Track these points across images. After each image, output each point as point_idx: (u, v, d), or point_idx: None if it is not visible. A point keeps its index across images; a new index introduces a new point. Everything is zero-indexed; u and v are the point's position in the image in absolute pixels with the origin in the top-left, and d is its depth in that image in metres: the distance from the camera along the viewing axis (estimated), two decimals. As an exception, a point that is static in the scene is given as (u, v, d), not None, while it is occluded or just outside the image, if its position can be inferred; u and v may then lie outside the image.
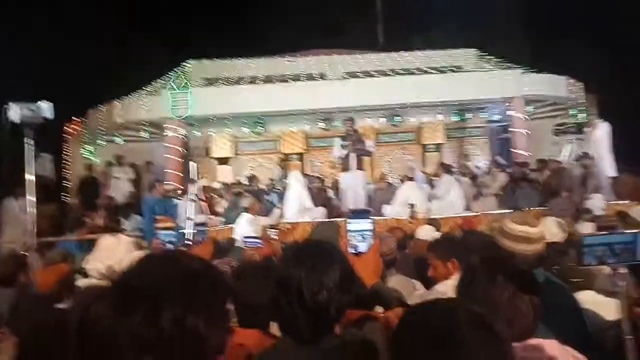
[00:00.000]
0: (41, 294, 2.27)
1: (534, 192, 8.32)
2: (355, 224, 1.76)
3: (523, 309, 1.34)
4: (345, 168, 8.72)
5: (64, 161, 12.39)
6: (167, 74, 13.04)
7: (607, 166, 8.93)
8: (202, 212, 8.57)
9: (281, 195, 9.27)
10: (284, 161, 11.73)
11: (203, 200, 8.66)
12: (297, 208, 7.99)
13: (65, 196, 12.12)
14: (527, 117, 11.53)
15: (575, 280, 2.44)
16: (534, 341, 1.35)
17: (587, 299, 2.04)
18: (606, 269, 1.78)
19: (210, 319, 0.80)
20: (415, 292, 2.84)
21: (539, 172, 9.49)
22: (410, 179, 8.59)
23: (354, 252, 1.70)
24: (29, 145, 5.17)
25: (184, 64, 13.36)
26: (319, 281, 1.22)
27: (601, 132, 9.03)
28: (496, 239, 2.06)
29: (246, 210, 7.24)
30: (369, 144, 8.97)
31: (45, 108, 5.16)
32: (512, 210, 7.59)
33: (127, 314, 0.74)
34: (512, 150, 11.28)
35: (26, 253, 5.01)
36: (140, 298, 0.76)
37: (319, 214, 8.15)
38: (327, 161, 12.07)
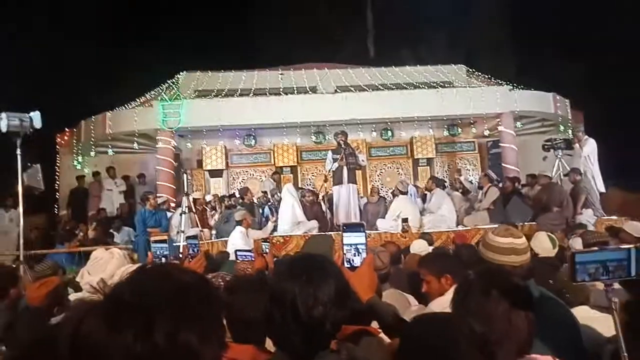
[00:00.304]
0: (36, 309, 2.23)
1: (525, 206, 8.38)
2: (350, 238, 1.76)
3: (518, 323, 1.34)
4: (337, 181, 8.73)
5: (54, 172, 12.28)
6: (160, 85, 13.06)
7: (597, 181, 9.04)
8: (194, 224, 8.52)
9: (274, 208, 9.26)
10: (277, 174, 11.72)
11: (195, 213, 8.61)
12: (290, 221, 7.96)
13: (56, 207, 11.99)
14: (516, 132, 11.70)
15: (569, 295, 2.46)
16: (530, 357, 1.36)
17: (582, 314, 2.05)
18: (600, 285, 1.79)
19: (204, 333, 0.79)
20: (410, 308, 2.83)
21: (529, 187, 9.58)
22: (403, 193, 8.61)
23: (349, 266, 1.70)
24: (17, 156, 5.15)
25: (176, 75, 13.39)
26: (313, 296, 1.20)
27: (589, 148, 9.16)
28: (481, 253, 2.05)
29: (239, 223, 7.20)
30: (361, 157, 9.01)
31: (34, 118, 5.15)
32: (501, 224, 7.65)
33: (119, 329, 0.73)
34: (503, 165, 11.41)
35: (16, 265, 4.95)
36: (133, 313, 0.75)
37: (311, 227, 8.13)
38: (319, 174, 12.09)
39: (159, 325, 0.73)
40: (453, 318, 1.26)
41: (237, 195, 10.12)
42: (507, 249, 1.94)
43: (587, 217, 8.07)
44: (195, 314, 0.78)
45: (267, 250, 4.48)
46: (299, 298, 1.20)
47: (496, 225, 7.80)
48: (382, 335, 1.69)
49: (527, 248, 1.98)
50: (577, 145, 9.33)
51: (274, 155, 12.59)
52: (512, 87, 11.95)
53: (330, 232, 7.90)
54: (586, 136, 9.34)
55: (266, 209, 9.64)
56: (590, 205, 8.41)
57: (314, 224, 8.29)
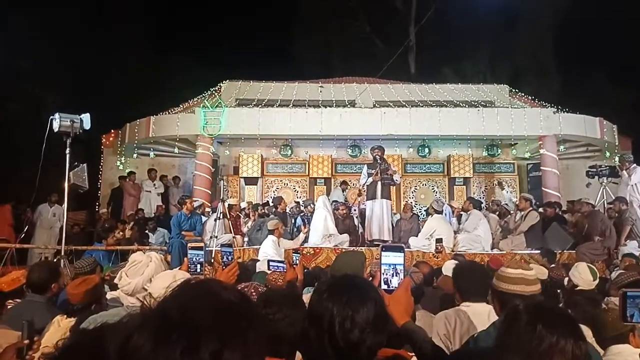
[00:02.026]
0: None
1: (565, 234, 8.09)
2: (388, 257, 1.74)
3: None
4: (371, 196, 8.67)
5: (98, 171, 12.74)
6: (203, 93, 13.41)
7: (643, 212, 8.64)
8: (228, 231, 8.63)
9: (306, 219, 9.28)
10: (345, 184, 11.74)
11: (229, 219, 8.73)
12: (321, 233, 7.95)
13: (97, 206, 12.41)
14: (558, 156, 11.35)
15: (609, 331, 2.34)
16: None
17: (621, 353, 1.95)
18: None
19: (248, 353, 0.80)
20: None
21: (570, 213, 9.25)
22: (438, 212, 8.46)
23: (386, 287, 1.68)
24: (66, 154, 5.39)
25: (219, 84, 13.72)
26: (351, 319, 1.19)
27: (637, 177, 8.76)
28: (494, 285, 2.18)
29: (271, 232, 7.25)
30: (396, 177, 8.92)
31: (84, 119, 5.38)
32: (540, 250, 7.42)
33: (167, 345, 0.75)
34: (543, 189, 11.07)
35: (57, 259, 5.15)
36: (179, 331, 0.76)
37: (342, 241, 8.10)
38: (353, 187, 12.06)
39: (204, 343, 0.75)
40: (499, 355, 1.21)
41: (271, 204, 10.21)
42: (517, 279, 2.10)
43: (631, 248, 7.71)
44: (240, 333, 0.79)
45: (298, 262, 4.50)
46: (336, 320, 1.18)
47: (534, 251, 7.58)
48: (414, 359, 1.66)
49: (536, 280, 2.15)
50: (624, 172, 8.95)
51: (309, 166, 12.65)
52: (556, 110, 11.63)
53: (361, 248, 7.84)
54: (634, 164, 8.94)
55: (298, 219, 9.67)
56: (635, 237, 8.04)
57: (345, 237, 8.25)
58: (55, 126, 5.23)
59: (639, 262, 6.50)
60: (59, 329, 2.54)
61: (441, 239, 7.63)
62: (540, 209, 8.77)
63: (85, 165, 5.87)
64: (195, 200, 9.36)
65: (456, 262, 5.50)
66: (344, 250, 7.19)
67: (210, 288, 0.87)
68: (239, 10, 23.31)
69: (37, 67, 14.16)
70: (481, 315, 2.51)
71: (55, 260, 5.22)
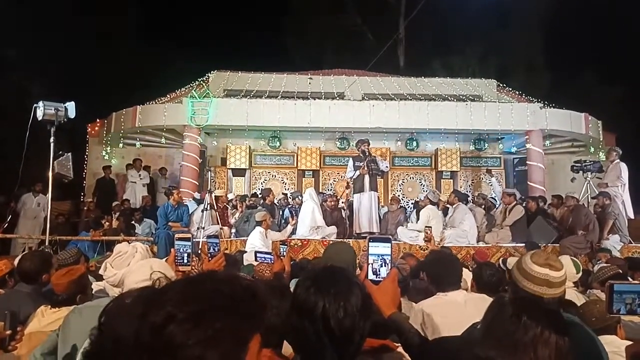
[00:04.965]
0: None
1: (549, 227, 8.20)
2: (377, 248, 1.74)
3: (545, 355, 1.29)
4: (358, 189, 8.69)
5: (83, 161, 12.56)
6: (190, 83, 13.27)
7: (626, 207, 8.79)
8: (215, 222, 8.59)
9: (294, 211, 9.27)
10: (299, 177, 11.74)
11: (216, 210, 8.68)
12: (309, 225, 7.96)
13: (82, 196, 12.26)
14: (544, 151, 11.47)
15: (596, 323, 2.38)
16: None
17: (611, 345, 1.98)
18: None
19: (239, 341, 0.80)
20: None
21: (554, 207, 9.37)
22: (433, 203, 8.47)
23: (374, 277, 1.68)
24: (50, 143, 5.29)
25: (207, 74, 13.58)
26: (343, 308, 1.23)
27: (621, 172, 8.90)
28: (513, 276, 1.97)
29: (259, 223, 7.23)
30: (385, 164, 8.94)
31: (69, 108, 5.28)
32: (524, 244, 7.53)
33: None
34: (529, 183, 11.20)
35: (41, 249, 5.07)
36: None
37: (330, 233, 8.12)
38: (341, 180, 12.09)
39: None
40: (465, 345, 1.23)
41: (259, 195, 10.17)
42: (541, 279, 1.86)
43: (613, 242, 7.86)
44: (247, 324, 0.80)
45: (285, 253, 4.50)
46: (330, 312, 1.22)
47: (519, 244, 7.63)
48: (400, 350, 1.67)
49: (563, 282, 1.89)
50: (608, 167, 9.08)
51: (297, 158, 12.63)
52: (542, 105, 11.75)
53: (348, 240, 7.87)
54: (618, 160, 9.08)
55: (286, 211, 9.66)
56: (618, 231, 8.19)
57: (333, 229, 8.27)
58: (39, 114, 5.12)
59: (612, 256, 6.65)
60: (42, 319, 2.51)
61: (430, 226, 7.69)
62: (524, 203, 8.86)
63: (70, 154, 5.74)
64: (182, 191, 9.28)
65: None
66: (332, 241, 7.21)
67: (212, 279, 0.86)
68: (230, 1, 23.11)
69: (23, 55, 13.90)
70: (459, 303, 2.54)
71: (49, 251, 5.14)
